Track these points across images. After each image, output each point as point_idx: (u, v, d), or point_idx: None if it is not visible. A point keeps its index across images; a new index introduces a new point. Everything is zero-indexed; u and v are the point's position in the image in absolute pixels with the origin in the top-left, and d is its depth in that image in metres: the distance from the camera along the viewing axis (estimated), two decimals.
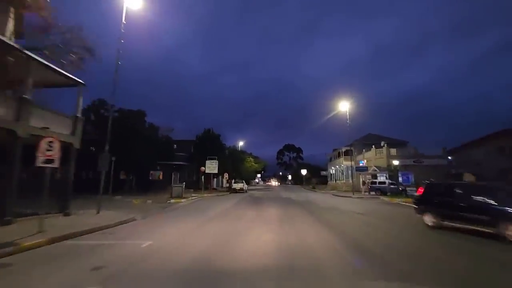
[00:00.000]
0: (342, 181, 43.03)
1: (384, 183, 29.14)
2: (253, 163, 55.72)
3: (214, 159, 31.22)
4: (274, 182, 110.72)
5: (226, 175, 35.04)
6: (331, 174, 52.84)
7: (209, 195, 27.60)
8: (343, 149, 42.71)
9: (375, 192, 29.31)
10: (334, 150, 74.00)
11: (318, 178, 67.60)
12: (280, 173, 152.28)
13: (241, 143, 54.79)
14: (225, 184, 50.51)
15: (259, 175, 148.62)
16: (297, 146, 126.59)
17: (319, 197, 26.87)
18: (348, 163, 41.95)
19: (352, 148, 42.48)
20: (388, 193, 28.76)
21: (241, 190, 34.91)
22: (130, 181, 31.96)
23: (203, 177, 29.91)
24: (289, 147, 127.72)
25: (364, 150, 38.47)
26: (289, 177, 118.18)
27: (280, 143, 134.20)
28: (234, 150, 41.20)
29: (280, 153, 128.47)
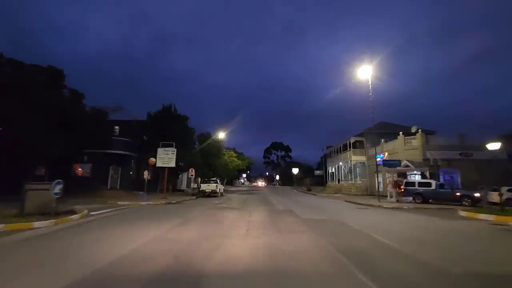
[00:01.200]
0: (349, 182, 32.78)
1: (429, 184, 18.86)
2: (234, 159, 44.78)
3: (171, 145, 20.11)
4: (260, 183, 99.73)
5: (191, 171, 23.90)
6: (330, 173, 42.61)
7: (151, 203, 16.31)
8: (351, 140, 32.47)
9: (414, 199, 19.08)
10: (329, 147, 64.32)
11: (311, 178, 57.48)
12: (267, 173, 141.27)
13: (221, 135, 43.54)
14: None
15: (244, 175, 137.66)
16: (285, 144, 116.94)
17: (336, 208, 16.28)
18: (360, 157, 31.78)
19: (363, 139, 32.38)
20: (430, 200, 18.66)
21: (213, 194, 23.83)
22: (38, 179, 20.19)
23: (146, 173, 18.78)
24: (276, 145, 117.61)
25: (382, 140, 28.37)
26: (277, 177, 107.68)
27: (267, 144, 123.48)
28: (207, 138, 30.02)
29: (267, 151, 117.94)
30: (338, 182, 36.64)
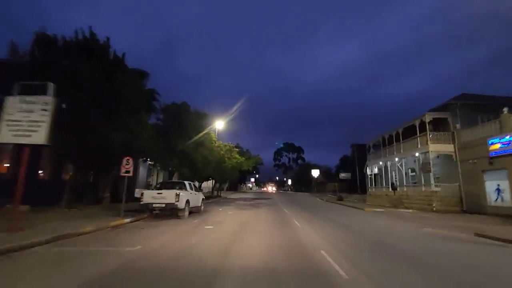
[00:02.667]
0: (422, 189, 19.19)
1: None
2: (236, 155, 32.09)
3: (42, 91, 7.39)
4: (270, 188, 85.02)
5: (125, 164, 11.07)
6: (372, 176, 29.09)
7: None
8: (427, 118, 18.98)
9: None
10: (354, 145, 50.89)
11: (336, 183, 43.89)
12: (277, 178, 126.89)
13: (218, 126, 30.98)
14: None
15: (252, 179, 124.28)
16: (297, 145, 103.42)
17: None
18: (441, 147, 18.53)
19: (447, 116, 19.09)
20: None
21: (173, 210, 10.95)
22: None
23: None
24: (288, 147, 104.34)
25: (505, 109, 14.89)
26: (289, 181, 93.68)
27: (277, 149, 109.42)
28: (180, 111, 17.10)
29: (278, 153, 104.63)
30: (394, 189, 23.06)
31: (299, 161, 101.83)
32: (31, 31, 11.41)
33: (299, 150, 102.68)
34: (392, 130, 24.02)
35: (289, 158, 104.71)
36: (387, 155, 25.13)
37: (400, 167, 23.18)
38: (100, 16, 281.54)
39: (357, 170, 35.13)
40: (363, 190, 33.13)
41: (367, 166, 30.35)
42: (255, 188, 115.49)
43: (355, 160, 39.20)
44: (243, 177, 56.69)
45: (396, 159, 23.39)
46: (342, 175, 46.22)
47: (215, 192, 36.01)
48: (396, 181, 23.65)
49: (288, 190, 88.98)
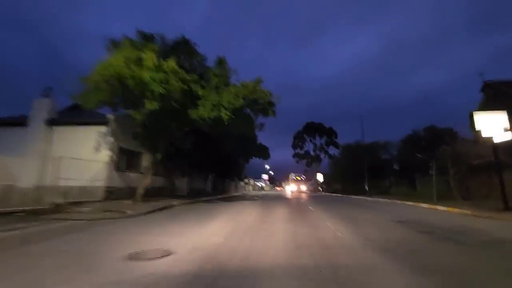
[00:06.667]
0: None
1: None
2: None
3: None
4: (292, 186, 52.47)
5: None
6: None
7: None
8: None
9: None
10: (487, 85, 19.47)
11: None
12: (294, 176, 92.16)
13: None
14: None
15: (265, 176, 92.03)
16: (326, 126, 71.38)
17: None
18: None
19: None
20: None
21: None
22: None
23: None
24: (313, 128, 72.03)
25: None
26: (319, 177, 61.53)
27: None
28: None
29: (299, 138, 72.21)
30: None
31: (330, 148, 69.79)
32: None
33: (329, 132, 70.55)
34: None
35: (314, 145, 72.83)
36: None
37: None
38: (103, 12, 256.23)
39: None
40: None
41: None
42: (267, 188, 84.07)
43: None
44: (234, 165, 24.96)
45: None
46: None
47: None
48: None
49: (320, 192, 57.49)
